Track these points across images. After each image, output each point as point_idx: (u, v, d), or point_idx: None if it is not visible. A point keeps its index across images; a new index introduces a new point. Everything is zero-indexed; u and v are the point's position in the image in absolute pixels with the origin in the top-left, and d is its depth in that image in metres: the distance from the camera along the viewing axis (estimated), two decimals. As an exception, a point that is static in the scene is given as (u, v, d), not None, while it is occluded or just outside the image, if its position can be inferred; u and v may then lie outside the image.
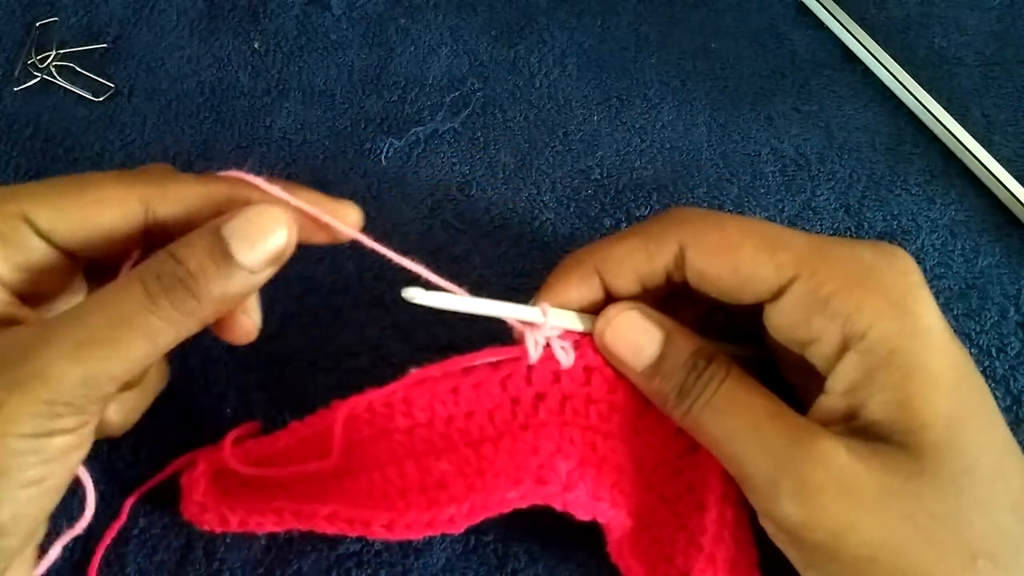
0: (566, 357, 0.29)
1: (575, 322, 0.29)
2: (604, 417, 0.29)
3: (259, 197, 0.28)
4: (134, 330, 0.25)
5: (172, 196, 0.28)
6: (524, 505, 0.27)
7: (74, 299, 0.30)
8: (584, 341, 0.29)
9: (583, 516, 0.27)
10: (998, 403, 0.37)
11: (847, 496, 0.24)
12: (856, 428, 0.25)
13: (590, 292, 0.29)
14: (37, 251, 0.27)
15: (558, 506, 0.27)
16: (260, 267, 0.26)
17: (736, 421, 0.26)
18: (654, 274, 0.28)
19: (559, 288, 0.29)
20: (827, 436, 0.25)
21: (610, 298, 0.30)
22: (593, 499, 0.27)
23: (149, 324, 0.25)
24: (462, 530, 0.27)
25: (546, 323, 0.28)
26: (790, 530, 0.25)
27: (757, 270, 0.26)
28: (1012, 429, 0.36)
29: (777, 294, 0.26)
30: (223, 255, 0.26)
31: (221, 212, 0.28)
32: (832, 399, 0.26)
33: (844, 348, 0.25)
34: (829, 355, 0.26)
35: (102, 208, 0.27)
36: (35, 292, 0.28)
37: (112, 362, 0.25)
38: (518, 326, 0.29)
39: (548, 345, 0.29)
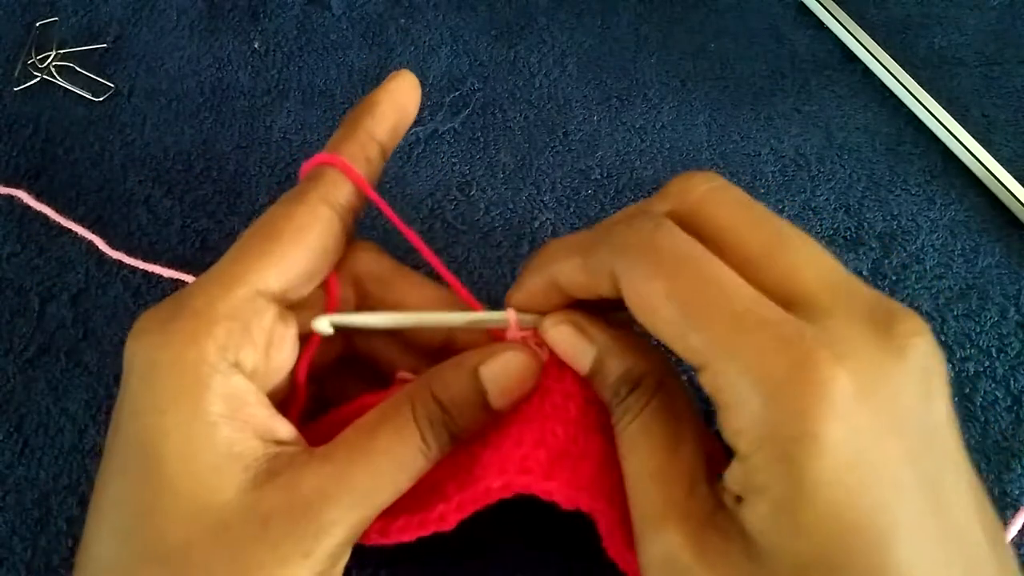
0: (541, 352, 0.29)
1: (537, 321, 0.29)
2: (582, 411, 0.28)
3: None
4: (408, 477, 0.26)
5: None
6: (508, 495, 0.27)
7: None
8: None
9: (566, 504, 0.27)
10: (998, 403, 0.37)
11: None
12: (738, 515, 0.23)
13: (557, 296, 0.28)
14: (271, 324, 0.27)
15: (541, 494, 0.27)
16: (504, 404, 0.27)
17: (630, 465, 0.25)
18: (603, 293, 0.26)
19: (528, 283, 0.29)
20: (681, 529, 0.23)
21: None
22: (574, 487, 0.27)
23: (419, 468, 0.26)
24: (453, 527, 0.27)
25: (512, 328, 0.29)
26: None
27: (670, 342, 0.23)
28: (1012, 429, 0.36)
29: (694, 367, 0.23)
30: (481, 402, 0.27)
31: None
32: (731, 473, 0.23)
33: (734, 444, 0.22)
34: (729, 440, 0.23)
35: (310, 245, 0.27)
36: (276, 376, 0.28)
37: (381, 509, 0.26)
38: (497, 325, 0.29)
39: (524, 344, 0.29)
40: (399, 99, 0.31)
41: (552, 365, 0.29)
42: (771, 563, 0.21)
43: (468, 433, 0.27)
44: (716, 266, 0.23)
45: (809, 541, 0.21)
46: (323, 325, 0.27)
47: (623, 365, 0.26)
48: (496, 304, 0.38)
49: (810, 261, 0.24)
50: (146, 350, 0.25)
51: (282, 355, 0.28)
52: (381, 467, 0.25)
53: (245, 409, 0.25)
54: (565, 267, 0.27)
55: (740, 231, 0.24)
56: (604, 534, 0.28)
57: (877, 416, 0.21)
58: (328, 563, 0.24)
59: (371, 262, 0.30)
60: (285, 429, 0.26)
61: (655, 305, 0.23)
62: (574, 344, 0.28)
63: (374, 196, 0.30)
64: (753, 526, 0.22)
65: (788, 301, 0.23)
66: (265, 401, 0.26)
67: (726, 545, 0.22)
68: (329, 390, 0.32)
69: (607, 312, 0.28)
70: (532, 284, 0.28)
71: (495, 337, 0.30)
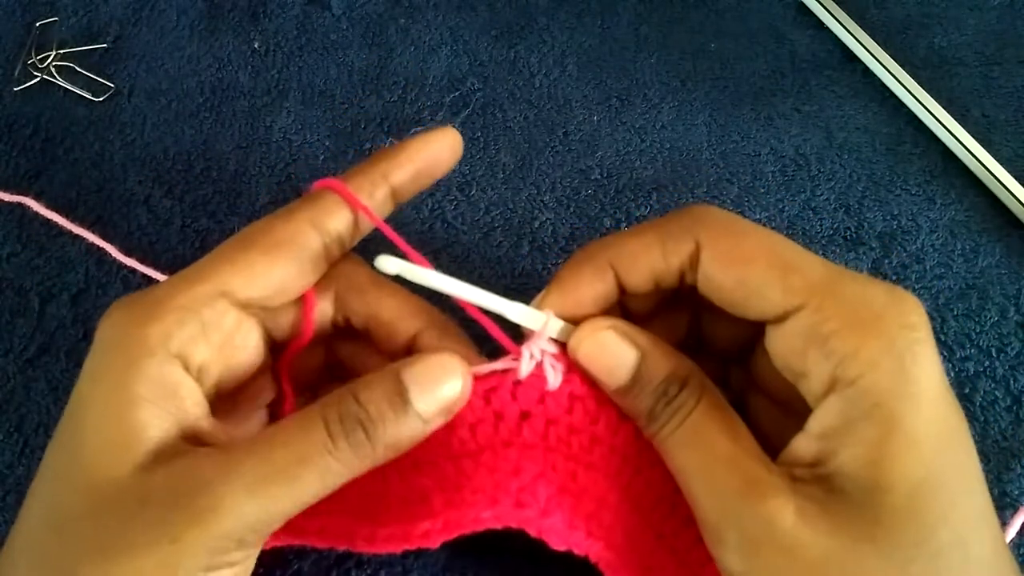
0: (554, 377, 0.28)
1: (566, 334, 0.28)
2: (585, 448, 0.28)
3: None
4: (311, 470, 0.25)
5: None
6: (498, 526, 0.26)
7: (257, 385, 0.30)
8: (574, 364, 0.28)
9: (557, 545, 0.26)
10: (998, 403, 0.37)
11: (788, 558, 0.23)
12: (821, 475, 0.24)
13: (603, 288, 0.28)
14: (232, 326, 0.27)
15: (533, 532, 0.26)
16: (432, 416, 0.26)
17: (693, 459, 0.25)
18: (668, 273, 0.27)
19: (570, 283, 0.28)
20: (777, 494, 0.24)
21: (623, 294, 0.29)
22: (568, 528, 0.26)
23: (327, 465, 0.25)
24: (437, 545, 0.27)
25: (544, 331, 0.28)
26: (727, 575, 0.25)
27: (765, 289, 0.25)
28: (1012, 429, 0.36)
29: (781, 318, 0.26)
30: (401, 401, 0.26)
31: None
32: (806, 439, 0.25)
33: (830, 390, 0.24)
34: (816, 393, 0.25)
35: (283, 261, 0.27)
36: (229, 377, 0.28)
37: (286, 501, 0.24)
38: (523, 325, 0.28)
39: (540, 362, 0.28)
40: (431, 152, 0.30)
41: (562, 395, 0.28)
42: (874, 500, 0.23)
43: (396, 441, 0.26)
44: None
45: (912, 470, 0.23)
46: (386, 264, 0.27)
47: (670, 365, 0.27)
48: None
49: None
50: (103, 327, 0.26)
51: (242, 357, 0.28)
52: (274, 458, 0.24)
53: (172, 400, 0.25)
54: (632, 245, 0.28)
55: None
56: (604, 571, 0.27)
57: (942, 368, 0.25)
58: (206, 555, 0.23)
59: (349, 274, 0.30)
60: (211, 428, 0.26)
61: (752, 256, 0.26)
62: (616, 350, 0.27)
63: (380, 223, 0.29)
64: (850, 469, 0.23)
65: None
66: (199, 399, 0.26)
67: (820, 504, 0.23)
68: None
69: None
70: (577, 275, 0.28)
71: (510, 348, 0.28)
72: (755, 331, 0.28)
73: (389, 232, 0.29)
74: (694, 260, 0.27)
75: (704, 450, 0.25)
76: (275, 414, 0.31)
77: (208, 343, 0.26)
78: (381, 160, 0.29)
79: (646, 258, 0.27)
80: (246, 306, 0.27)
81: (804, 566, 0.23)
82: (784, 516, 0.23)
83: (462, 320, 0.30)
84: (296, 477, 0.24)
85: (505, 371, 0.28)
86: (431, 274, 0.27)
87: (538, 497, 0.26)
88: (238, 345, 0.28)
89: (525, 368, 0.28)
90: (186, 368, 0.26)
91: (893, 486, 0.23)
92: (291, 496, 0.24)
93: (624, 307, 0.30)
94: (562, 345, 0.28)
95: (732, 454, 0.25)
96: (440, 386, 0.26)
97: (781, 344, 0.26)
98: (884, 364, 0.23)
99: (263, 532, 0.25)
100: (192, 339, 0.26)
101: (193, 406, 0.26)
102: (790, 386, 0.26)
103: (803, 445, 0.25)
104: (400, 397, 0.26)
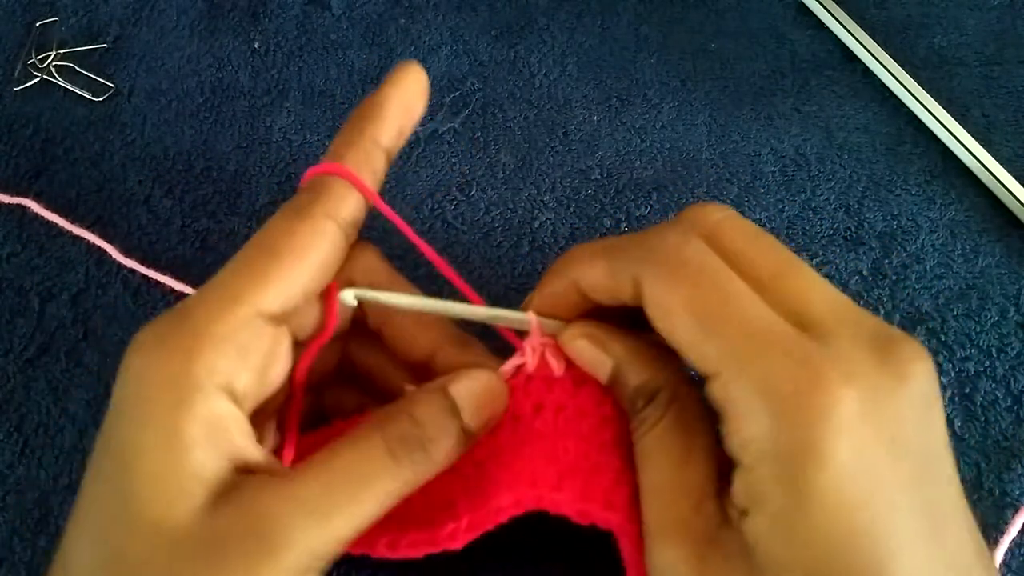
0: (557, 365, 0.29)
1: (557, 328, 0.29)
2: (597, 429, 0.28)
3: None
4: (374, 494, 0.25)
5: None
6: (519, 512, 0.27)
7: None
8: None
9: (578, 518, 0.27)
10: (998, 403, 0.37)
11: None
12: (742, 529, 0.23)
13: (575, 299, 0.28)
14: (268, 345, 0.26)
15: (550, 508, 0.27)
16: (479, 431, 0.27)
17: (643, 477, 0.26)
18: (625, 299, 0.27)
19: (547, 289, 0.29)
20: (684, 544, 0.24)
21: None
22: (583, 499, 0.27)
23: (388, 488, 0.25)
24: (462, 546, 0.27)
25: (535, 329, 0.28)
26: None
27: (684, 349, 0.24)
28: (1012, 429, 0.36)
29: (705, 377, 0.24)
30: (455, 419, 0.26)
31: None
32: (735, 488, 0.24)
33: (739, 458, 0.23)
34: (733, 454, 0.24)
35: (313, 265, 0.27)
36: (265, 392, 0.27)
37: (348, 527, 0.24)
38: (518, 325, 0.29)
39: (543, 353, 0.29)
40: (405, 99, 0.29)
41: (567, 381, 0.29)
42: (770, 573, 0.22)
43: (448, 457, 0.26)
44: (736, 283, 0.24)
45: (807, 553, 0.21)
46: (348, 297, 0.27)
47: (639, 378, 0.27)
48: (496, 305, 0.38)
49: (816, 287, 0.25)
50: (141, 362, 0.25)
51: (276, 370, 0.28)
52: (338, 483, 0.24)
53: (223, 434, 0.24)
54: (589, 270, 0.27)
55: (752, 256, 0.25)
56: (623, 548, 0.27)
57: (879, 437, 0.22)
58: None
59: (368, 270, 0.30)
60: (260, 455, 0.26)
61: (675, 312, 0.24)
62: (591, 357, 0.28)
63: (386, 209, 0.29)
64: (754, 538, 0.22)
65: (796, 323, 0.23)
66: (246, 428, 0.26)
67: (726, 563, 0.23)
68: (327, 401, 0.32)
69: (626, 321, 0.28)
70: (553, 287, 0.28)
71: (515, 343, 0.29)
72: None
73: (397, 219, 0.29)
74: (639, 296, 0.26)
75: (648, 473, 0.26)
76: (281, 420, 0.31)
77: (248, 368, 0.26)
78: (366, 125, 0.28)
79: (598, 282, 0.27)
80: (278, 319, 0.27)
81: None
82: (683, 567, 0.23)
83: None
84: (360, 503, 0.24)
85: (516, 370, 0.29)
86: (400, 298, 0.28)
87: (548, 475, 0.27)
88: (273, 362, 0.27)
89: (531, 360, 0.29)
90: (232, 399, 0.25)
91: (790, 565, 0.21)
92: (353, 523, 0.24)
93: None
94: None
95: (668, 484, 0.25)
96: (489, 403, 0.27)
97: (710, 399, 0.25)
98: (782, 457, 0.22)
99: (328, 559, 0.25)
100: (235, 368, 0.25)
101: (242, 437, 0.25)
102: None
103: (735, 492, 0.24)
104: (454, 414, 0.26)
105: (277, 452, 0.29)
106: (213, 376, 0.24)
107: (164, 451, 0.24)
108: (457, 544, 0.27)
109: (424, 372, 0.30)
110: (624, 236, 0.28)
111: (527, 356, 0.29)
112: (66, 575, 0.24)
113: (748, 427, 0.23)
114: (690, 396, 0.27)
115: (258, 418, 0.28)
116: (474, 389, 0.27)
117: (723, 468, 0.25)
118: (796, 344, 0.23)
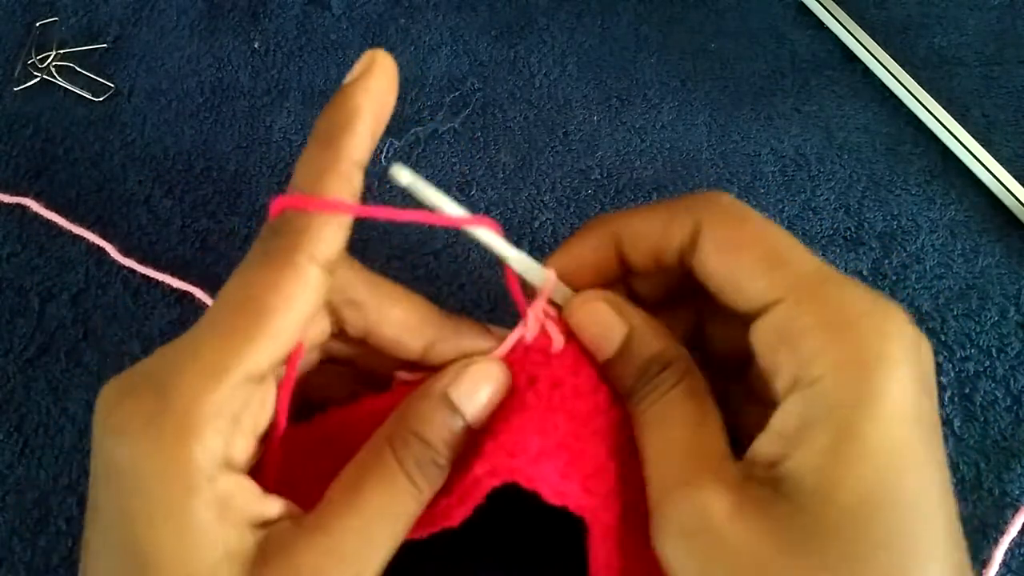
0: (558, 338, 0.28)
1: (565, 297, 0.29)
2: (589, 414, 0.28)
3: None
4: (403, 524, 0.25)
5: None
6: (497, 483, 0.26)
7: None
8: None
9: (552, 498, 0.26)
10: (998, 403, 0.37)
11: (719, 551, 0.23)
12: (775, 477, 0.23)
13: (605, 255, 0.28)
14: (258, 403, 0.25)
15: (524, 482, 0.26)
16: (481, 420, 0.27)
17: (653, 441, 0.26)
18: (668, 250, 0.27)
19: (575, 246, 0.28)
20: (716, 487, 0.23)
21: (625, 270, 0.29)
22: (562, 477, 0.26)
23: (413, 513, 0.26)
24: (458, 522, 0.27)
25: (546, 289, 0.28)
26: (661, 562, 0.24)
27: (751, 279, 0.25)
28: (1012, 429, 0.36)
29: (762, 311, 0.25)
30: (460, 426, 0.27)
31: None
32: (767, 439, 0.24)
33: (792, 389, 0.24)
34: (781, 392, 0.24)
35: (298, 315, 0.24)
36: (258, 439, 0.26)
37: (380, 563, 0.25)
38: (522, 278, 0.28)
39: (544, 324, 0.28)
40: (378, 100, 0.26)
41: (568, 356, 0.28)
42: (816, 508, 0.22)
43: (456, 453, 0.27)
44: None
45: (860, 482, 0.22)
46: (401, 175, 0.24)
47: (657, 345, 0.27)
48: (495, 306, 0.38)
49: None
50: (131, 451, 0.23)
51: (265, 416, 0.26)
52: (375, 528, 0.24)
53: (235, 505, 0.24)
54: (638, 218, 0.28)
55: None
56: (593, 537, 0.27)
57: (923, 387, 0.23)
58: None
59: (344, 285, 0.28)
60: (274, 507, 0.25)
61: (743, 245, 0.25)
62: (606, 321, 0.28)
63: (381, 213, 0.26)
64: (799, 474, 0.22)
65: None
66: (253, 489, 0.25)
67: (762, 503, 0.23)
68: (311, 391, 0.31)
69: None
70: (586, 242, 0.28)
71: (520, 311, 0.28)
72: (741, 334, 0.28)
73: (385, 214, 0.26)
74: (693, 240, 0.27)
75: (663, 433, 0.25)
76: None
77: (243, 433, 0.25)
78: (341, 143, 0.25)
79: (648, 231, 0.27)
80: (267, 375, 0.25)
81: (732, 562, 0.22)
82: (718, 508, 0.23)
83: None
84: (397, 536, 0.25)
85: (516, 343, 0.29)
86: (443, 199, 0.26)
87: (529, 447, 0.26)
88: (262, 412, 0.26)
89: (531, 329, 0.28)
90: (233, 470, 0.24)
91: (837, 498, 0.22)
92: (385, 556, 0.25)
93: (631, 291, 0.30)
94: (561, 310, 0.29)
95: (688, 442, 0.25)
96: (489, 395, 0.27)
97: (759, 338, 0.25)
98: (848, 370, 0.23)
99: None
100: (232, 440, 0.24)
101: (252, 501, 0.24)
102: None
103: (764, 445, 0.24)
104: (458, 421, 0.27)
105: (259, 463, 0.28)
106: (213, 457, 0.23)
107: (183, 541, 0.23)
108: (453, 521, 0.27)
109: (417, 365, 0.29)
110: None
111: (528, 323, 0.28)
112: None
113: (807, 348, 0.23)
114: (698, 372, 0.27)
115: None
116: (475, 387, 0.27)
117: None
118: (860, 286, 0.24)
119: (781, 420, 0.24)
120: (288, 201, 0.24)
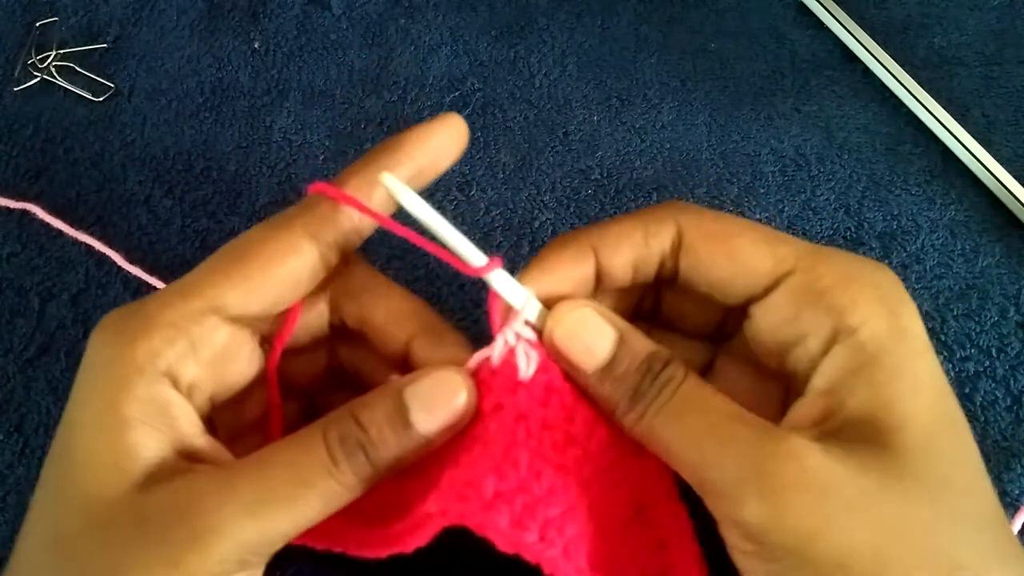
0: (527, 366, 0.26)
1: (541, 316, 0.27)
2: (559, 447, 0.26)
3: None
4: (313, 492, 0.24)
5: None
6: (448, 524, 0.25)
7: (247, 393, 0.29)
8: (550, 352, 0.27)
9: (503, 546, 0.24)
10: (998, 403, 0.37)
11: (820, 495, 0.22)
12: (830, 430, 0.24)
13: (584, 270, 0.28)
14: (223, 342, 0.27)
15: (475, 528, 0.24)
16: (437, 435, 0.26)
17: (694, 425, 0.25)
18: (649, 258, 0.27)
19: (551, 262, 0.28)
20: (797, 434, 0.23)
21: (600, 282, 0.28)
22: (515, 526, 0.24)
23: (328, 487, 0.24)
24: (411, 549, 0.25)
25: (523, 310, 0.27)
26: (756, 535, 0.23)
27: (754, 260, 0.26)
28: (1012, 429, 0.36)
29: (769, 289, 0.26)
30: (403, 423, 0.25)
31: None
32: (809, 401, 0.25)
33: (832, 343, 0.25)
34: (815, 353, 0.25)
35: (279, 276, 0.26)
36: (225, 391, 0.28)
37: (287, 523, 0.24)
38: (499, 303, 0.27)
39: (513, 348, 0.27)
40: (433, 142, 0.28)
41: (537, 386, 0.26)
42: (893, 439, 0.23)
43: (397, 460, 0.26)
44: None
45: (925, 410, 0.23)
46: (389, 182, 0.26)
47: (652, 343, 0.27)
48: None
49: None
50: (93, 344, 0.26)
51: (235, 370, 0.27)
52: (274, 478, 0.24)
53: (164, 419, 0.25)
54: (615, 229, 0.28)
55: None
56: None
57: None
58: (220, 573, 0.23)
59: (345, 275, 0.29)
60: (207, 444, 0.26)
61: (737, 231, 0.27)
62: (596, 327, 0.27)
63: (385, 221, 0.28)
64: (863, 413, 0.24)
65: None
66: (193, 417, 0.26)
67: (841, 447, 0.23)
68: (320, 405, 0.32)
69: None
70: (559, 255, 0.28)
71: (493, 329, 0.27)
72: (717, 333, 0.29)
73: (395, 228, 0.27)
74: (675, 246, 0.27)
75: (705, 413, 0.25)
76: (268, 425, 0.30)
77: (198, 360, 0.26)
78: (380, 157, 0.28)
79: (628, 242, 0.27)
80: (238, 321, 0.27)
81: (838, 504, 0.22)
82: (811, 451, 0.23)
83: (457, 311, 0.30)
84: (297, 498, 0.24)
85: (481, 364, 0.27)
86: (422, 207, 0.27)
87: (483, 490, 0.24)
88: (230, 360, 0.27)
89: (498, 353, 0.26)
90: (176, 386, 0.25)
91: (907, 425, 0.23)
92: (292, 518, 0.24)
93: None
94: (538, 333, 0.27)
95: (736, 412, 0.25)
96: (443, 405, 0.26)
97: (769, 317, 0.26)
98: (882, 312, 0.24)
99: (265, 553, 0.24)
100: (181, 357, 0.25)
101: (187, 424, 0.25)
102: (758, 379, 0.27)
103: (805, 408, 0.25)
104: (402, 418, 0.25)
105: None
106: (155, 360, 0.25)
107: (100, 429, 0.24)
108: (406, 548, 0.25)
109: (406, 366, 0.29)
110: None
111: (496, 345, 0.27)
112: (17, 554, 0.25)
113: (839, 303, 0.25)
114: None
115: (234, 417, 0.29)
116: (430, 391, 0.26)
117: None
118: (848, 252, 0.27)
119: (826, 375, 0.25)
120: (316, 187, 0.27)
